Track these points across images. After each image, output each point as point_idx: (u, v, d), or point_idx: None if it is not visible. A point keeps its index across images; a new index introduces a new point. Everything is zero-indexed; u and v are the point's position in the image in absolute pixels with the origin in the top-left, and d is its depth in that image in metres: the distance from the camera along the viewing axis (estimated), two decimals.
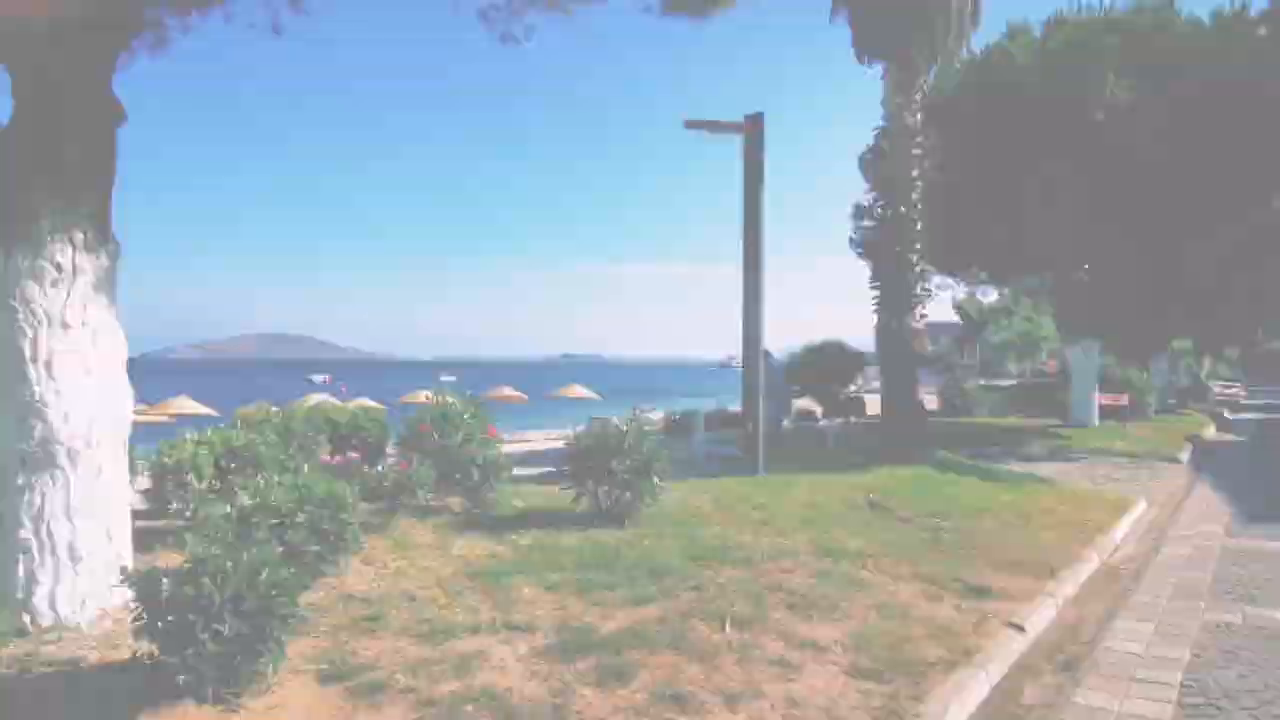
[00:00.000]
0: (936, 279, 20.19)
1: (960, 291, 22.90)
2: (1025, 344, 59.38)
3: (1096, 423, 18.18)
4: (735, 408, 16.30)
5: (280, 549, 4.05)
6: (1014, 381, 36.94)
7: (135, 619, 3.37)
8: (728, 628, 4.52)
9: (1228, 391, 41.26)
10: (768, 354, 13.74)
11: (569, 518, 6.93)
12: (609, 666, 3.94)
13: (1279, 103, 12.53)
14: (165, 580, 3.34)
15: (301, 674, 3.79)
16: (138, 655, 3.50)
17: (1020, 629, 5.02)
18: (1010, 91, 13.63)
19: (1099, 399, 18.46)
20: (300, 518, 4.83)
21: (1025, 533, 7.34)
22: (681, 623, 4.54)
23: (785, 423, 15.52)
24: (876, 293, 10.41)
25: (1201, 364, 40.27)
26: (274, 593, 3.46)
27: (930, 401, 23.76)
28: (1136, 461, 14.20)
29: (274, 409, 8.59)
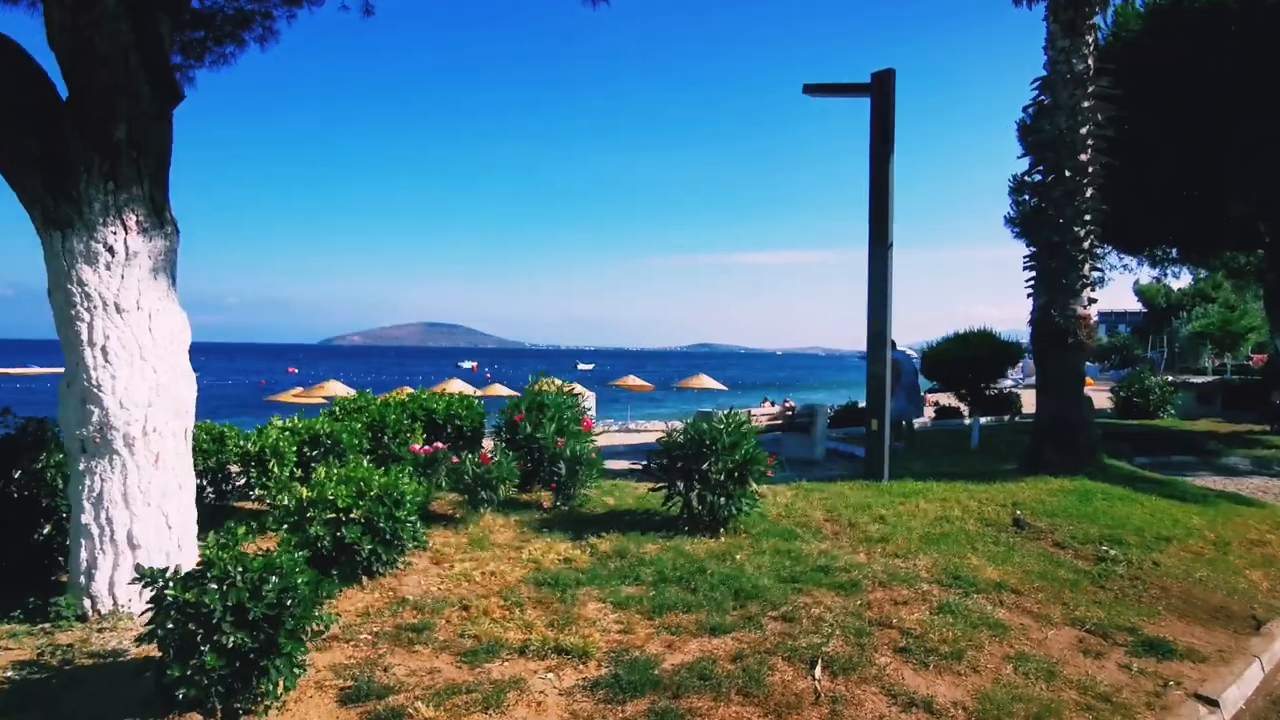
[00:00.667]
0: (1111, 258, 17.68)
1: (1143, 275, 19.68)
2: (1225, 335, 51.77)
3: None
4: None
5: (310, 549, 3.75)
6: (1210, 378, 32.01)
7: (147, 623, 3.15)
8: (817, 673, 3.74)
9: None
10: (894, 344, 12.42)
11: (659, 522, 6.34)
12: (663, 713, 3.31)
13: None
14: (171, 584, 3.08)
15: (324, 690, 3.46)
16: (149, 661, 3.29)
17: (1212, 704, 3.86)
18: (1208, 31, 11.36)
19: None
20: (355, 514, 4.56)
21: (1222, 570, 5.89)
22: (761, 662, 3.81)
23: (923, 420, 14.08)
24: (1032, 274, 8.90)
25: None
26: (288, 602, 3.13)
27: (1101, 400, 20.98)
28: None
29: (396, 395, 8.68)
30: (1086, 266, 8.51)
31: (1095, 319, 8.55)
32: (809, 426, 11.18)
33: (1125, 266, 17.70)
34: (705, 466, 6.02)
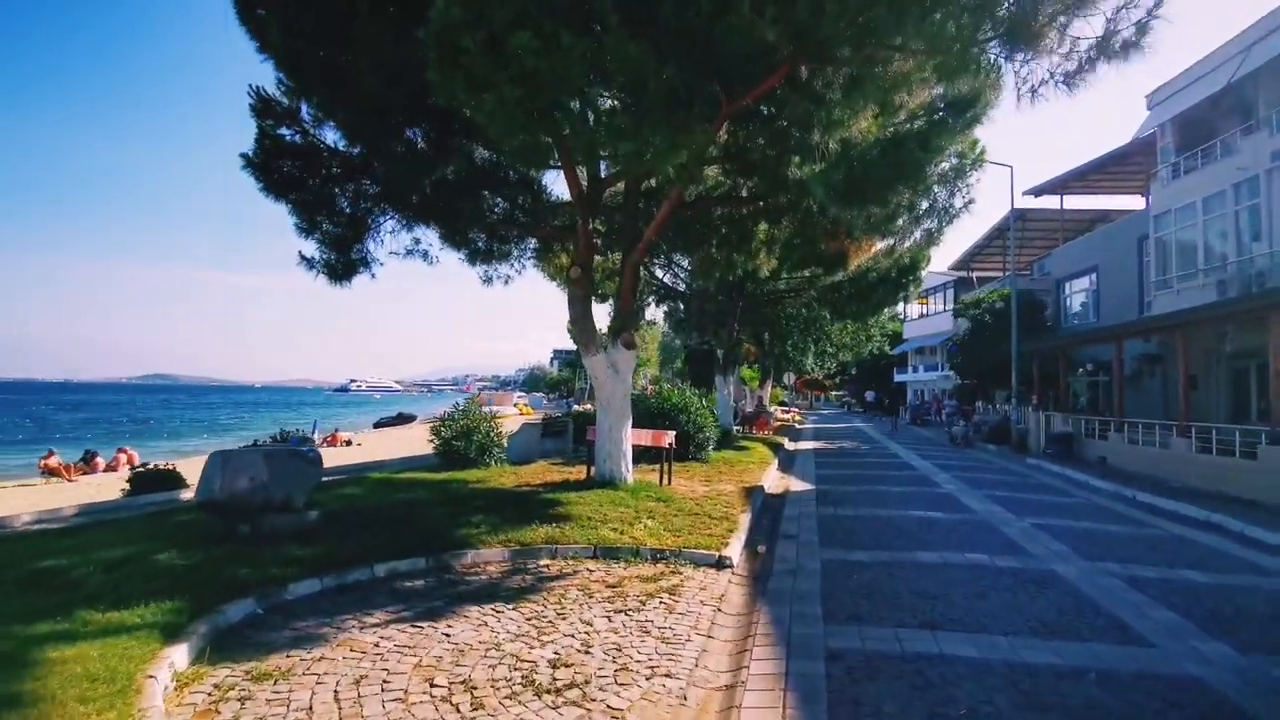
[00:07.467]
0: (405, 237, 12.16)
1: (473, 271, 14.99)
2: None
3: (629, 478, 11.69)
4: None
5: None
6: (586, 409, 31.61)
7: None
8: None
9: (785, 415, 42.14)
10: None
11: None
12: None
13: None
14: None
15: None
16: None
17: None
18: None
19: (631, 438, 12.02)
20: None
21: None
22: None
23: None
24: None
25: (765, 387, 40.46)
26: None
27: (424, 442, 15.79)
28: (652, 579, 7.36)
29: None
30: None
31: None
32: None
33: (424, 252, 12.36)
34: None
